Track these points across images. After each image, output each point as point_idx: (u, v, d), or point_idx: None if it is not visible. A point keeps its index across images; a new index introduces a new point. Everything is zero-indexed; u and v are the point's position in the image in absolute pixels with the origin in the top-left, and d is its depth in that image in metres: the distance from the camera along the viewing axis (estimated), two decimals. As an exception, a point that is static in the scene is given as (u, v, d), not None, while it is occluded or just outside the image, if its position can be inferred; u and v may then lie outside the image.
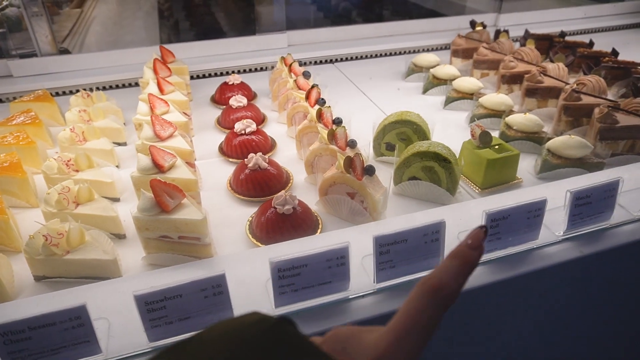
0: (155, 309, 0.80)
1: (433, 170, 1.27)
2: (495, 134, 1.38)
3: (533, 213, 1.01)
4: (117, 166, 1.47)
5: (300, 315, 0.90)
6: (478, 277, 0.98)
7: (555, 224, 1.11)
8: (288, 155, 1.53)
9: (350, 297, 0.94)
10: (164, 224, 1.03)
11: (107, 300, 0.93)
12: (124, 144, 1.60)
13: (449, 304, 0.47)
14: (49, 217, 1.13)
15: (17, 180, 1.27)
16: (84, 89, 1.70)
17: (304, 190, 1.36)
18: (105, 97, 1.70)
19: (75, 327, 0.77)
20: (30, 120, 1.56)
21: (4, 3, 2.08)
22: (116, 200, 1.32)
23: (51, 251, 1.01)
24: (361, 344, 0.46)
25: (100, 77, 2.02)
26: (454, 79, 1.89)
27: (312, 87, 1.55)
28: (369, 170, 1.18)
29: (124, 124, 1.67)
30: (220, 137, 1.63)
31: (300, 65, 1.80)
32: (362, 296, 0.94)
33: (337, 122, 1.38)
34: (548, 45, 2.16)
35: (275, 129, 1.69)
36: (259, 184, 1.29)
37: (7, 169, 1.28)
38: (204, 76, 2.16)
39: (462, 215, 1.16)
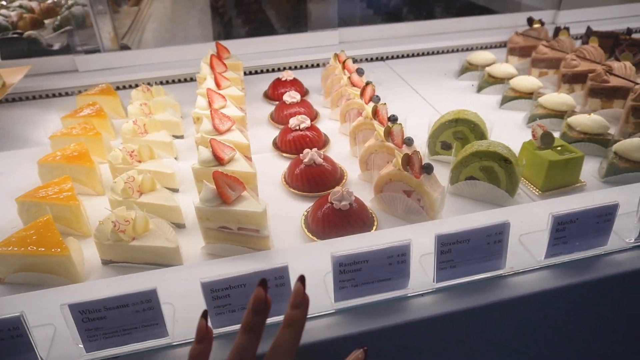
0: (220, 296, 0.82)
1: (492, 171, 1.24)
2: (555, 135, 1.33)
3: (603, 217, 0.97)
4: (175, 158, 1.52)
5: (359, 310, 0.90)
6: (544, 282, 0.95)
7: (623, 230, 1.06)
8: (340, 152, 1.53)
9: (409, 295, 0.93)
10: (225, 215, 1.05)
11: (171, 286, 0.96)
12: (181, 137, 1.65)
13: None
14: (115, 204, 1.19)
15: (85, 169, 1.33)
16: (143, 83, 1.77)
17: (357, 187, 1.35)
18: (163, 91, 1.76)
19: (145, 310, 0.80)
20: (95, 113, 1.63)
21: (70, 2, 2.19)
22: (175, 191, 1.36)
23: (118, 237, 1.05)
24: None
25: (157, 72, 2.09)
26: (511, 78, 1.83)
27: (367, 84, 1.55)
28: (427, 168, 1.16)
29: (181, 117, 1.72)
30: (273, 132, 1.65)
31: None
32: (422, 295, 0.93)
33: (393, 119, 1.37)
34: (613, 43, 2.05)
35: (327, 125, 1.69)
36: (313, 179, 1.30)
37: (77, 158, 1.34)
38: (256, 72, 2.19)
39: (524, 218, 1.13)
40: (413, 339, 0.92)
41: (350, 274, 0.87)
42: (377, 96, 1.51)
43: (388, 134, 1.29)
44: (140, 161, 1.35)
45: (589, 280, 0.96)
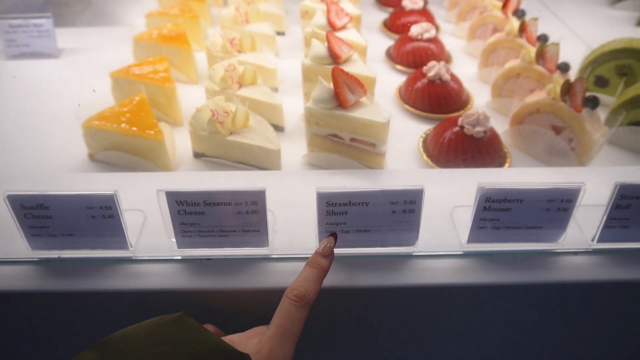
0: (336, 212, 0.68)
1: (670, 118, 0.98)
2: None
3: None
4: (275, 55, 1.36)
5: (494, 258, 0.73)
6: None
7: None
8: (464, 74, 1.28)
9: (559, 250, 0.74)
10: (339, 120, 0.89)
11: (271, 192, 0.83)
12: (282, 33, 1.47)
13: (310, 306, 0.59)
14: (212, 94, 1.06)
15: (181, 52, 1.21)
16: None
17: (484, 115, 1.14)
18: (267, -20, 1.57)
19: (249, 213, 0.68)
20: (194, -5, 1.49)
21: None
22: (274, 90, 1.22)
23: (215, 128, 0.93)
24: (246, 349, 0.54)
25: (259, -39, 1.88)
26: (689, 12, 1.46)
27: (511, -6, 1.27)
28: (592, 102, 0.92)
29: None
30: (385, 41, 1.44)
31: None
32: (575, 253, 0.75)
33: (544, 38, 1.12)
34: None
35: (449, 42, 1.44)
36: (436, 97, 1.10)
37: (174, 39, 1.22)
38: (366, -26, 1.93)
39: None
40: (555, 301, 0.75)
41: (496, 212, 0.69)
42: (522, 10, 1.24)
43: (540, 55, 1.05)
44: (240, 51, 1.20)
45: None
